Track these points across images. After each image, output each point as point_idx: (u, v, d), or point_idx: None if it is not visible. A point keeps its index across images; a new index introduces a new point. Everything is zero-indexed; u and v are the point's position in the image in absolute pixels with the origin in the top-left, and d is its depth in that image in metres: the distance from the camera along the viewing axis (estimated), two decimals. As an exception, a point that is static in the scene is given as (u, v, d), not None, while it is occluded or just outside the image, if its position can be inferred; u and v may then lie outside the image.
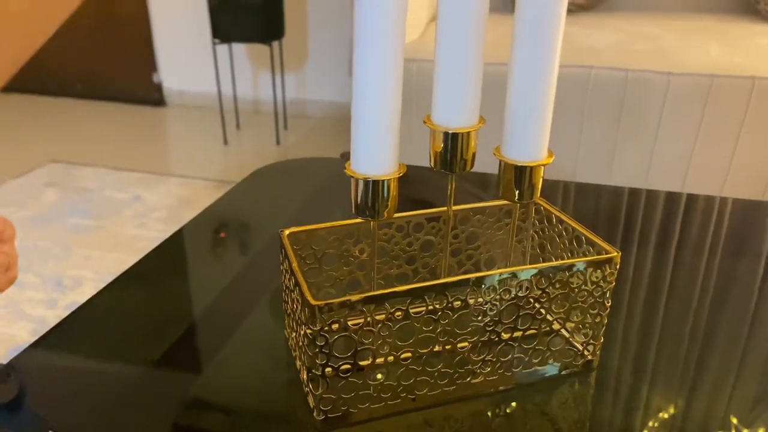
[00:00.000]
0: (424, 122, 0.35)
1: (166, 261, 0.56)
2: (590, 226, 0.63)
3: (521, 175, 0.36)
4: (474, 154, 0.35)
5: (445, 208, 0.42)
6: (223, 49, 2.29)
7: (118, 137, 2.31)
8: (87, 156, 2.09)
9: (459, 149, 0.34)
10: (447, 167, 0.35)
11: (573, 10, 1.75)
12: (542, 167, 0.36)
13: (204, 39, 2.36)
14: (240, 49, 2.42)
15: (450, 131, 0.34)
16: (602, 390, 0.40)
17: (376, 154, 0.34)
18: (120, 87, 2.66)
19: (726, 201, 0.72)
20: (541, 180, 0.37)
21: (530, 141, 0.35)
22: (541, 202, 0.44)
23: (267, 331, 0.45)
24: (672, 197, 0.73)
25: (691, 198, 0.73)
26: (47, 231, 1.60)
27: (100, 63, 2.66)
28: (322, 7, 2.34)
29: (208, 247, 0.59)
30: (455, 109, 0.34)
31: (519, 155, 0.35)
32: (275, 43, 2.14)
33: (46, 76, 2.69)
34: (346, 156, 0.81)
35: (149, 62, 2.61)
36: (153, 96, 2.64)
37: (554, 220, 0.43)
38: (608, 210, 0.69)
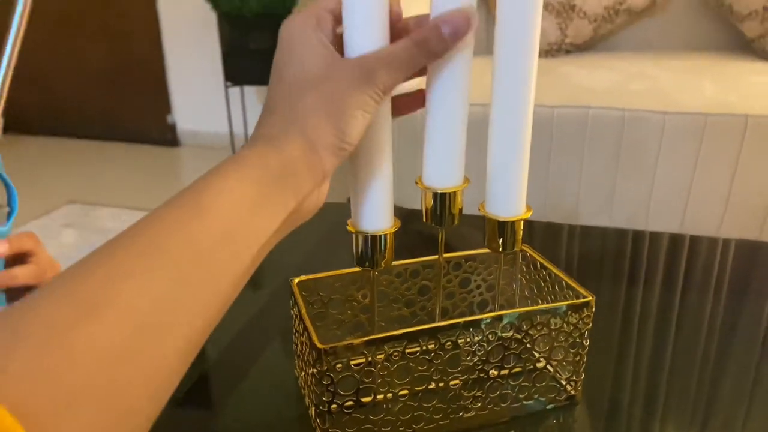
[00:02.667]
0: (416, 183, 0.40)
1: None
2: (578, 267, 0.67)
3: (503, 228, 0.40)
4: (461, 209, 0.40)
5: (437, 257, 0.46)
6: (235, 91, 2.37)
7: (133, 177, 2.38)
8: (104, 196, 2.16)
9: (447, 207, 0.39)
10: (437, 222, 0.40)
11: (571, 50, 1.81)
12: (522, 221, 0.40)
13: (217, 82, 2.45)
14: (251, 90, 2.50)
15: (438, 191, 0.38)
16: (586, 423, 0.44)
17: (373, 212, 0.38)
18: (135, 128, 2.75)
19: (715, 241, 0.76)
20: (521, 231, 0.41)
21: (510, 199, 0.40)
22: (527, 249, 0.48)
23: (279, 370, 0.49)
24: (656, 237, 0.77)
25: (675, 238, 0.77)
26: (66, 271, 1.65)
27: (116, 105, 2.75)
28: (331, 50, 2.42)
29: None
30: (443, 173, 0.38)
31: (500, 211, 0.40)
32: (285, 86, 2.22)
33: (63, 117, 2.79)
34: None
35: (164, 104, 2.70)
36: (167, 136, 2.72)
37: (539, 265, 0.47)
38: (597, 251, 0.73)
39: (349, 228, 0.39)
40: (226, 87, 2.19)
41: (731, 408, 0.45)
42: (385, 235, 0.39)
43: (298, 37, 0.33)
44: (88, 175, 2.40)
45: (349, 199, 0.86)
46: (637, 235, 0.77)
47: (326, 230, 0.75)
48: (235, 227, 0.28)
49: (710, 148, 1.38)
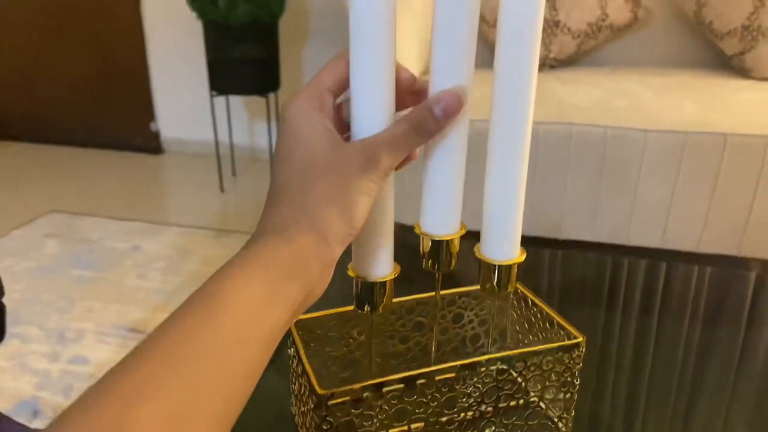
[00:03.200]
0: (414, 229, 0.41)
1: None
2: (560, 294, 0.69)
3: (498, 271, 0.42)
4: (457, 254, 0.41)
5: (433, 293, 0.47)
6: (220, 99, 2.37)
7: (117, 185, 2.37)
8: (87, 205, 2.15)
9: (444, 253, 0.40)
10: (435, 266, 0.41)
11: (555, 65, 1.84)
12: (515, 265, 0.42)
13: (201, 90, 2.45)
14: (237, 98, 2.50)
15: (436, 238, 0.40)
16: (575, 457, 0.45)
17: (374, 260, 0.39)
18: (119, 135, 2.73)
19: (701, 269, 0.78)
20: (515, 275, 0.42)
21: (504, 244, 0.41)
22: (519, 287, 0.49)
23: (274, 404, 0.50)
24: (635, 263, 0.79)
25: (669, 266, 0.79)
26: (50, 282, 1.64)
27: (100, 112, 2.73)
28: (317, 59, 2.43)
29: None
30: (440, 221, 0.40)
31: (495, 255, 0.41)
32: (271, 95, 2.22)
33: (46, 124, 2.76)
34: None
35: (147, 111, 2.69)
36: (151, 144, 2.71)
37: (530, 302, 0.48)
38: (579, 277, 0.75)
39: (350, 273, 0.40)
40: (212, 96, 2.19)
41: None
42: (385, 282, 0.40)
43: (302, 121, 0.34)
44: (72, 182, 2.38)
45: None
46: (617, 261, 0.79)
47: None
48: (247, 329, 0.29)
49: (690, 166, 1.41)
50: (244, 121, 2.57)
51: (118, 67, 2.64)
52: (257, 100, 2.44)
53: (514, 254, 0.41)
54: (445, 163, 0.38)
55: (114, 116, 2.72)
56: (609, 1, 1.75)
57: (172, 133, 2.69)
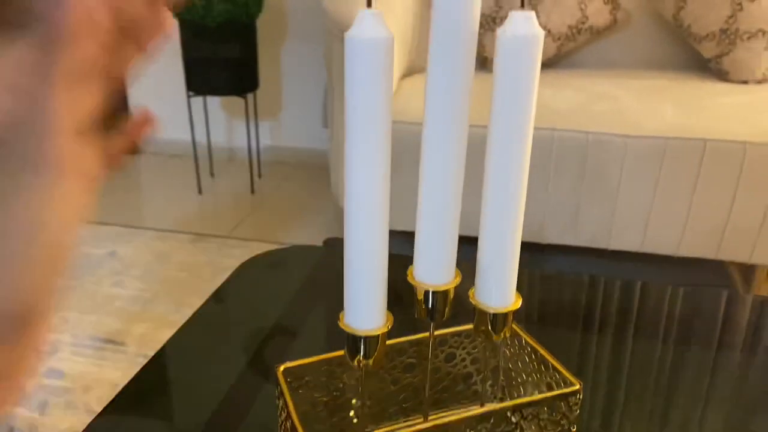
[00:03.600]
0: (408, 279, 0.39)
1: (161, 375, 0.59)
2: (539, 316, 0.68)
3: (493, 318, 0.41)
4: (451, 302, 0.40)
5: (426, 334, 0.46)
6: (197, 99, 2.33)
7: (91, 188, 2.31)
8: (60, 209, 2.09)
9: (439, 302, 0.39)
10: (429, 315, 0.40)
11: (536, 67, 1.83)
12: (511, 312, 0.41)
13: (178, 90, 2.40)
14: (214, 98, 2.46)
15: (431, 289, 0.38)
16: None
17: (366, 313, 0.38)
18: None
19: (668, 289, 0.78)
20: (510, 320, 0.41)
21: (500, 291, 0.40)
22: (518, 329, 0.49)
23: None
24: (630, 287, 0.79)
25: (657, 289, 0.79)
26: (22, 292, 1.60)
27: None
28: (296, 58, 2.40)
29: (202, 355, 0.62)
30: (434, 271, 0.38)
31: (490, 302, 0.40)
32: (250, 95, 2.19)
33: (16, 124, 2.69)
34: (328, 243, 0.85)
35: (121, 107, 2.62)
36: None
37: (524, 341, 0.48)
38: (557, 300, 0.74)
39: (341, 325, 0.39)
40: (189, 97, 2.15)
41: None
42: (379, 335, 0.38)
43: None
44: (43, 185, 2.33)
45: (325, 242, 0.86)
46: (594, 281, 0.79)
47: (305, 277, 0.74)
48: None
49: (670, 171, 1.42)
50: (222, 120, 2.53)
51: (91, 65, 2.58)
52: (235, 100, 2.40)
53: (510, 301, 0.40)
54: (440, 211, 0.37)
55: (87, 115, 2.66)
56: (589, 3, 1.75)
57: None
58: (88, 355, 1.37)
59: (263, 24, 2.24)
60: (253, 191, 2.27)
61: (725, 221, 1.43)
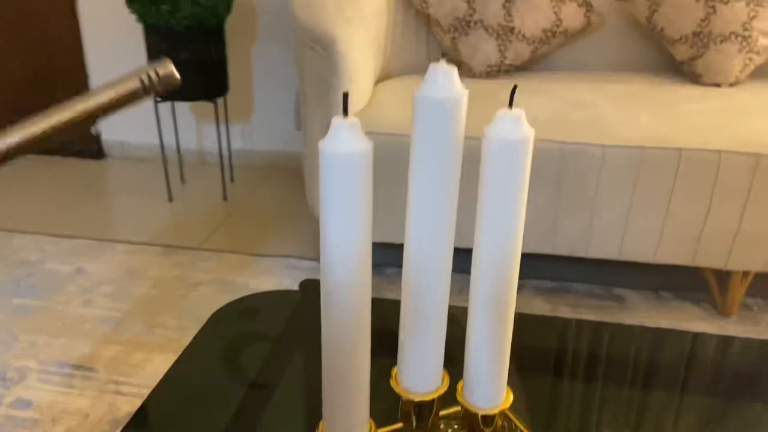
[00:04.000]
0: (392, 384, 0.37)
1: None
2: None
3: (482, 419, 0.38)
4: (438, 410, 0.38)
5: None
6: (165, 103, 2.26)
7: (56, 196, 2.24)
8: (23, 221, 2.03)
9: (425, 411, 0.37)
10: (417, 423, 0.38)
11: (510, 71, 1.82)
12: (501, 411, 0.38)
13: (145, 93, 2.33)
14: (183, 103, 2.39)
15: (416, 399, 0.36)
16: None
17: (347, 424, 0.35)
18: (57, 141, 2.58)
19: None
20: (500, 419, 0.39)
21: (489, 392, 0.38)
22: (509, 414, 0.46)
23: None
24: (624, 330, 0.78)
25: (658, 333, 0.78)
26: (-14, 315, 1.54)
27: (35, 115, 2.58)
28: (265, 61, 2.34)
29: (180, 415, 0.59)
30: (420, 378, 0.36)
31: (479, 402, 0.38)
32: (219, 99, 2.13)
33: (-24, 129, 2.59)
34: (303, 285, 0.82)
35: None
36: (91, 148, 2.58)
37: (514, 425, 0.46)
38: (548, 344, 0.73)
39: (320, 435, 0.36)
40: (156, 102, 2.08)
41: None
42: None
43: None
44: (4, 195, 2.24)
45: (300, 286, 0.82)
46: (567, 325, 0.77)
47: (281, 325, 0.71)
48: None
49: (647, 180, 1.41)
50: (191, 124, 2.47)
51: (54, 70, 2.49)
52: (205, 103, 2.34)
53: (499, 402, 0.38)
54: (425, 318, 0.34)
55: (50, 120, 2.57)
56: (563, 6, 1.73)
57: (113, 136, 2.56)
58: (57, 382, 1.33)
59: (232, 26, 2.18)
60: (225, 197, 2.22)
61: (701, 229, 1.44)
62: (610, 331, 0.75)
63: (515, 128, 0.30)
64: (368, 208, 0.29)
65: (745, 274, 1.52)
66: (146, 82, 0.26)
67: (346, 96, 0.28)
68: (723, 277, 1.57)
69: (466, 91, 0.29)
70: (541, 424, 0.51)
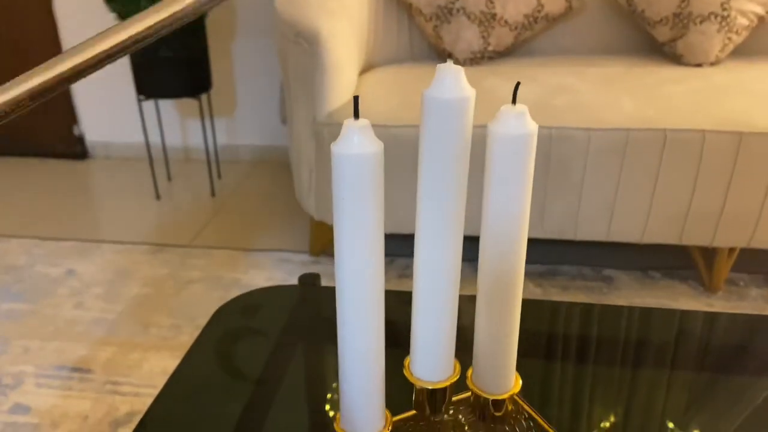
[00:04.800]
0: (405, 373, 0.38)
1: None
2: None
3: (493, 403, 0.40)
4: (450, 398, 0.39)
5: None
6: (149, 102, 2.24)
7: (41, 198, 2.22)
8: (8, 224, 2.01)
9: (438, 399, 0.38)
10: (428, 411, 0.39)
11: (493, 57, 1.82)
12: (510, 396, 0.40)
13: (127, 93, 2.31)
14: (167, 101, 2.37)
15: (429, 387, 0.37)
16: None
17: (364, 415, 0.36)
18: (38, 141, 2.55)
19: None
20: (509, 403, 0.40)
21: (498, 378, 0.39)
22: (517, 398, 0.48)
23: None
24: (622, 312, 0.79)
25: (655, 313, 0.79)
26: (-22, 321, 1.53)
27: (15, 118, 2.54)
28: (248, 55, 2.33)
29: (190, 414, 0.60)
30: (432, 367, 0.37)
31: (488, 388, 0.39)
32: (203, 95, 2.12)
33: (-45, 134, 2.55)
34: (303, 279, 0.83)
35: (69, 114, 2.52)
36: (75, 149, 2.55)
37: (527, 414, 0.47)
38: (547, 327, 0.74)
39: (337, 429, 0.37)
40: (140, 101, 2.06)
41: None
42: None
43: None
44: (-10, 198, 2.22)
45: (300, 280, 0.83)
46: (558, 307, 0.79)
47: (282, 321, 0.72)
48: None
49: (632, 162, 1.43)
50: (176, 121, 2.45)
51: (31, 67, 2.45)
52: (189, 100, 2.33)
53: (508, 387, 0.39)
54: (437, 309, 0.35)
55: (32, 121, 2.54)
56: (544, -9, 1.74)
57: (97, 136, 2.54)
58: (54, 386, 1.32)
59: (213, 21, 2.16)
60: (213, 193, 2.21)
61: (687, 208, 1.46)
62: (605, 312, 0.76)
63: (519, 124, 0.31)
64: (380, 207, 0.30)
65: (731, 250, 1.55)
66: None
67: (356, 99, 0.29)
68: (709, 254, 1.61)
69: (474, 91, 0.30)
70: (550, 407, 0.52)
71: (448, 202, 0.32)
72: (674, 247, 1.55)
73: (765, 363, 0.66)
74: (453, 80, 0.29)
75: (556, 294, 1.61)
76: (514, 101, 0.31)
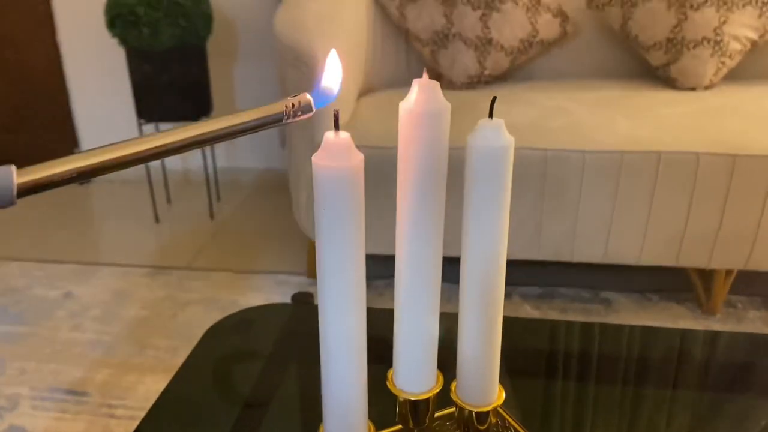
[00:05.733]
0: (388, 385, 0.38)
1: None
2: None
3: (476, 416, 0.40)
4: (433, 409, 0.39)
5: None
6: (149, 125, 2.27)
7: (41, 221, 2.23)
8: (8, 247, 2.01)
9: (420, 411, 0.38)
10: (411, 424, 0.39)
11: (490, 81, 1.85)
12: (494, 408, 0.40)
13: (128, 116, 2.33)
14: (167, 123, 2.40)
15: (412, 398, 0.37)
16: None
17: (346, 429, 0.37)
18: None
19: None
20: (493, 415, 0.40)
21: (480, 390, 0.39)
22: (501, 411, 0.48)
23: None
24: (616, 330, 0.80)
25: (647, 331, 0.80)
26: (-26, 343, 1.53)
27: (17, 141, 2.57)
28: (248, 79, 2.36)
29: (171, 435, 0.60)
30: (415, 378, 0.37)
31: (471, 400, 0.39)
32: (203, 118, 2.14)
33: (-43, 157, 2.57)
34: (296, 297, 0.83)
35: (70, 137, 2.55)
36: (76, 172, 2.57)
37: (511, 428, 0.47)
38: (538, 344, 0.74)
39: (320, 440, 0.38)
40: (140, 124, 2.09)
41: None
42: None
43: None
44: (-10, 221, 2.23)
45: (293, 298, 0.83)
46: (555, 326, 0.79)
47: (274, 338, 0.72)
48: None
49: (628, 183, 1.44)
50: (175, 144, 2.47)
51: (36, 95, 2.49)
52: (188, 123, 2.34)
53: (492, 399, 0.39)
54: (419, 319, 0.36)
55: (33, 145, 2.57)
56: (538, 17, 1.77)
57: (98, 159, 2.56)
58: (50, 408, 1.32)
59: (214, 45, 2.20)
60: (212, 216, 2.22)
61: (683, 229, 1.47)
62: (595, 330, 0.76)
63: (496, 136, 0.32)
64: (361, 217, 0.31)
65: (728, 272, 1.56)
66: (289, 107, 0.29)
67: (336, 113, 0.30)
68: (707, 276, 1.61)
69: (449, 105, 0.31)
70: (533, 420, 0.52)
71: (426, 209, 0.33)
72: (672, 270, 1.55)
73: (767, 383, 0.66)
74: (428, 93, 0.30)
75: (554, 316, 1.61)
76: (491, 115, 0.32)
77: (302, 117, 0.31)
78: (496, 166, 0.32)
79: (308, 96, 0.31)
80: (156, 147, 0.29)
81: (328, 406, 0.36)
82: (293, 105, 0.31)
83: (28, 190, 0.27)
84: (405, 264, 0.34)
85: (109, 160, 0.28)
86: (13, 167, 0.27)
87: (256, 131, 0.32)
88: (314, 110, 0.31)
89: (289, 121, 0.31)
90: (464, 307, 0.37)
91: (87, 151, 0.29)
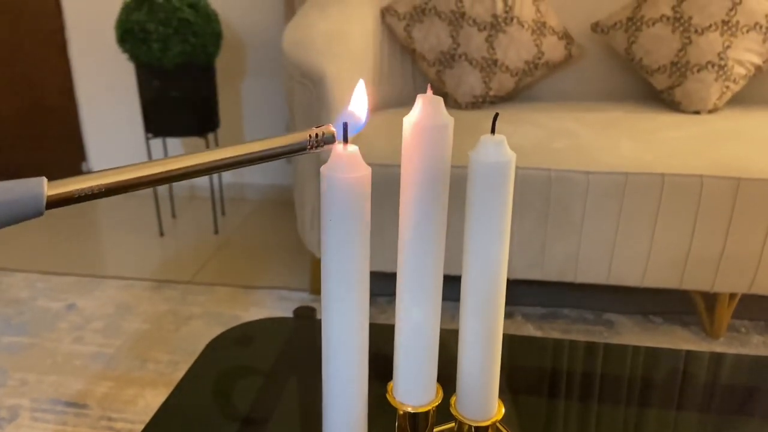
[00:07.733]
0: (388, 397, 0.38)
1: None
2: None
3: (477, 429, 0.40)
4: (433, 423, 0.39)
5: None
6: (156, 140, 2.29)
7: (46, 233, 2.24)
8: (13, 259, 2.02)
9: (420, 423, 0.38)
10: (410, 432, 0.39)
11: (495, 101, 1.86)
12: (493, 423, 0.40)
13: (135, 129, 2.36)
14: (175, 140, 2.42)
15: (411, 411, 0.38)
16: None
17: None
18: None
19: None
20: (493, 431, 0.41)
21: (480, 404, 0.39)
22: (500, 427, 0.48)
23: None
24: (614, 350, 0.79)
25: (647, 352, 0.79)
26: (-24, 353, 1.53)
27: (26, 154, 2.60)
28: (256, 95, 2.38)
29: (170, 447, 0.60)
30: (415, 391, 0.37)
31: (471, 415, 0.39)
32: (210, 134, 2.16)
33: (-34, 169, 2.60)
34: (298, 312, 0.83)
35: (78, 151, 2.57)
36: (83, 185, 2.58)
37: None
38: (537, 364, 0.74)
39: (319, 451, 0.38)
40: (147, 139, 2.10)
41: None
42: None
43: None
44: (-4, 233, 2.24)
45: (295, 312, 0.84)
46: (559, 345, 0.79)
47: (276, 353, 0.72)
48: None
49: (631, 205, 1.44)
50: (181, 159, 2.49)
51: (45, 108, 2.52)
52: (195, 139, 2.37)
53: (491, 414, 0.40)
54: (419, 333, 0.36)
55: (42, 157, 2.59)
56: (544, 39, 1.79)
57: (104, 173, 2.58)
58: (50, 420, 1.32)
59: (222, 61, 2.22)
60: (216, 231, 2.23)
61: (686, 252, 1.47)
62: (597, 349, 0.76)
63: (498, 152, 0.33)
64: (367, 229, 0.31)
65: (732, 296, 1.55)
66: (313, 137, 0.30)
67: (345, 125, 0.31)
68: (710, 299, 1.60)
69: (452, 119, 0.32)
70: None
71: (428, 219, 0.33)
72: (675, 292, 1.55)
73: None
74: (432, 108, 0.31)
75: (556, 337, 1.60)
76: (493, 131, 0.33)
77: (325, 147, 0.32)
78: (498, 180, 0.33)
79: (332, 127, 0.32)
80: (184, 167, 0.29)
81: (329, 421, 0.36)
82: (317, 135, 0.32)
83: (56, 202, 0.28)
84: (408, 260, 0.35)
85: (138, 177, 0.29)
86: (45, 179, 0.28)
87: (279, 158, 0.33)
88: (337, 141, 0.32)
89: (311, 150, 0.32)
90: (465, 319, 0.37)
91: (117, 167, 0.30)
